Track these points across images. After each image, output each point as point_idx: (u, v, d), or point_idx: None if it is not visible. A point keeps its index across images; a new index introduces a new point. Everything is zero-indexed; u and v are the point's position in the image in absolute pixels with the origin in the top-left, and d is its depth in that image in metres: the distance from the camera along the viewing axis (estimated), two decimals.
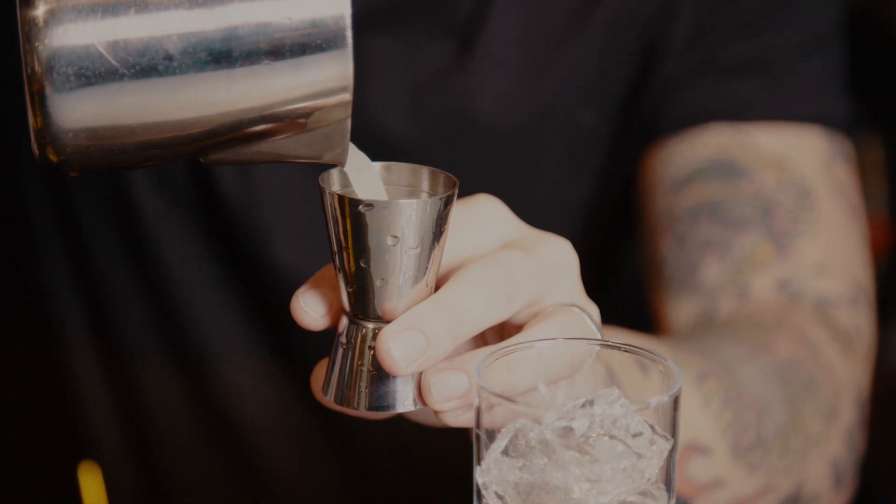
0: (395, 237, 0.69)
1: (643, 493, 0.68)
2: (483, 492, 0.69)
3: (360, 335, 0.72)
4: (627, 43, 1.15)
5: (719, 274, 1.10)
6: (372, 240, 0.69)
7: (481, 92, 1.14)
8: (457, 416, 0.72)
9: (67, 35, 0.66)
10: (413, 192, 0.74)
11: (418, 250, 0.70)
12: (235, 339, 1.23)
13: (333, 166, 0.72)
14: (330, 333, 0.77)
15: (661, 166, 1.15)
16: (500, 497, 0.69)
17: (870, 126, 2.01)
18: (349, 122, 0.69)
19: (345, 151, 0.70)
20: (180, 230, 1.20)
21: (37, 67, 0.66)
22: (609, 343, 0.72)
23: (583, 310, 0.74)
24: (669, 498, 0.69)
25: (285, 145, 0.70)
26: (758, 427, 0.98)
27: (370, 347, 0.71)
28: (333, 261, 0.71)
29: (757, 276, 1.10)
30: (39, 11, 0.66)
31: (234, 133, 0.68)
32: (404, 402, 0.73)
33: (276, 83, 0.67)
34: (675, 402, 0.69)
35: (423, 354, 0.70)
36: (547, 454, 0.68)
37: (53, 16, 0.66)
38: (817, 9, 1.16)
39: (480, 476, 0.69)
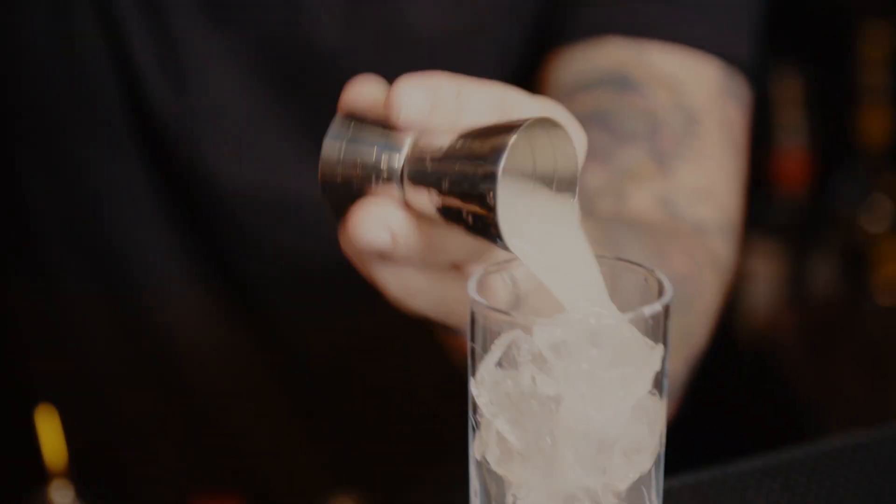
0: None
1: (636, 402, 0.69)
2: (477, 401, 0.69)
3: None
4: None
5: (601, 181, 1.10)
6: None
7: (415, 3, 1.14)
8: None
9: None
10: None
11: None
12: (170, 256, 1.21)
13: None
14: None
15: (556, 72, 1.16)
16: (493, 407, 0.69)
17: (786, 58, 2.03)
18: None
19: None
20: (108, 148, 1.18)
21: None
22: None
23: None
24: (662, 406, 0.70)
25: None
26: None
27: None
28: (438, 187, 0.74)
29: (637, 189, 1.10)
30: None
31: None
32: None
33: None
34: (667, 310, 0.69)
35: (426, 112, 0.74)
36: (539, 365, 0.68)
37: None
38: None
39: (475, 388, 0.69)
